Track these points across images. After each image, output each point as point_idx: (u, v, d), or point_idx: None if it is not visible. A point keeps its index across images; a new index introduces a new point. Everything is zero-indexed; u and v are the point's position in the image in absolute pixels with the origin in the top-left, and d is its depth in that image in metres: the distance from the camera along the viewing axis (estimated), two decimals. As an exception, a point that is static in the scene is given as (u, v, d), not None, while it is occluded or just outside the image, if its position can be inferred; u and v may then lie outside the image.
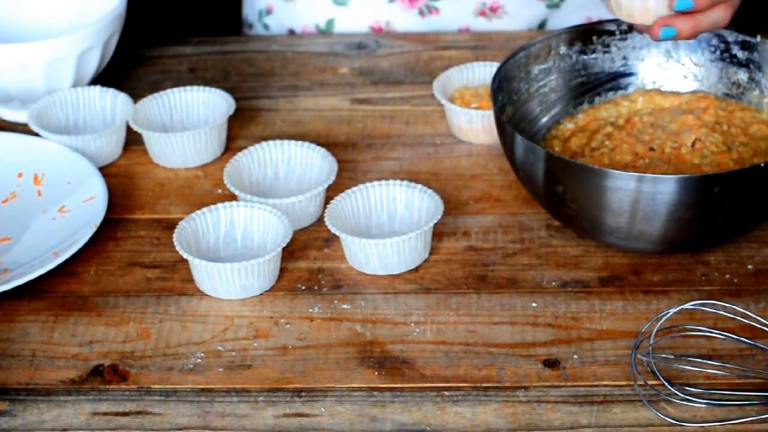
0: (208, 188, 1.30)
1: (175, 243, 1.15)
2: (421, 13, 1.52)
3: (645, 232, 1.13)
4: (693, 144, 1.21)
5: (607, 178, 1.10)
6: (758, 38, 1.26)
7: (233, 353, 1.10)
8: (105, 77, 1.45)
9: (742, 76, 1.27)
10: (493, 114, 1.32)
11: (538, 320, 1.12)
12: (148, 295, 1.17)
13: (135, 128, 1.31)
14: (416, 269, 1.18)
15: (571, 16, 1.55)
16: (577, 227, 1.19)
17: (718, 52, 1.28)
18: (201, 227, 1.19)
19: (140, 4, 1.65)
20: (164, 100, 1.36)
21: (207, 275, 1.15)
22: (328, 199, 1.22)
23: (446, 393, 1.06)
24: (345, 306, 1.15)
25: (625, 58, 1.30)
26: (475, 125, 1.33)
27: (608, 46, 1.29)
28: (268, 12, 1.61)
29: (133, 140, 1.35)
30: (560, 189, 1.14)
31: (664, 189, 1.09)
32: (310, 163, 1.27)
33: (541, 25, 1.54)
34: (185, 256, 1.14)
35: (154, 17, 2.14)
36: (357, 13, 1.55)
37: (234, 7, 1.80)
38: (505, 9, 1.52)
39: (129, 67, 1.49)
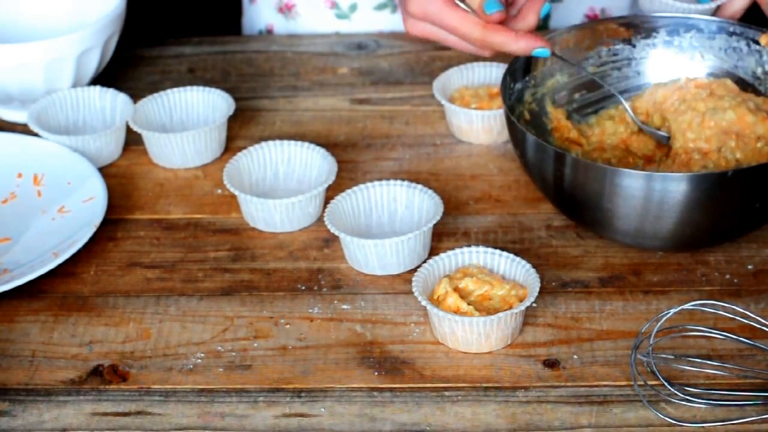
0: (207, 188, 1.30)
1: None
2: None
3: (655, 229, 1.12)
4: (703, 142, 1.21)
5: (618, 176, 1.09)
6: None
7: (233, 353, 1.10)
8: (105, 77, 1.45)
9: (752, 71, 1.27)
10: (494, 114, 1.32)
11: (538, 320, 1.12)
12: (147, 296, 1.17)
13: (135, 128, 1.31)
14: (416, 269, 1.18)
15: (574, 8, 1.54)
16: (587, 225, 1.18)
17: (728, 48, 1.28)
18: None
19: (140, 4, 1.64)
20: (164, 100, 1.36)
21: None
22: (328, 199, 1.22)
23: (446, 393, 1.06)
24: (345, 306, 1.15)
25: (630, 54, 1.30)
26: (475, 125, 1.33)
27: (614, 44, 1.29)
28: (269, 32, 1.60)
29: (132, 140, 1.35)
30: (570, 187, 1.13)
31: (674, 187, 1.09)
32: (310, 163, 1.27)
33: (545, 19, 1.54)
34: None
35: (154, 17, 2.14)
36: (360, 24, 1.55)
37: (235, 8, 1.80)
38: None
39: (129, 67, 1.49)
